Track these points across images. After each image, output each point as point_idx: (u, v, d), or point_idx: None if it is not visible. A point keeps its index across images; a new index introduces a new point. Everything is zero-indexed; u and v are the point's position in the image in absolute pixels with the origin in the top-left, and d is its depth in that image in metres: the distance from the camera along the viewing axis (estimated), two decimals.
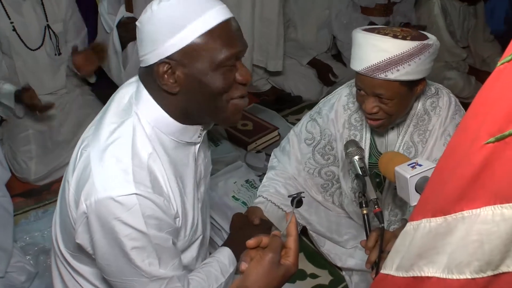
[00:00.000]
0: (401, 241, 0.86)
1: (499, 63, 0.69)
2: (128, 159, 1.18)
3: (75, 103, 2.93)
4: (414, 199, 1.33)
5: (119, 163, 1.18)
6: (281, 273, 1.05)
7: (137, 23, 1.21)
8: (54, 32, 2.74)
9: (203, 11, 1.16)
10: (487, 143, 0.67)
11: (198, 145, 1.38)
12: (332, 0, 3.69)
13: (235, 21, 1.23)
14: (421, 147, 1.81)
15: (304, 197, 1.51)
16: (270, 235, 1.09)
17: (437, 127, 1.79)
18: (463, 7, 3.66)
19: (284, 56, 3.52)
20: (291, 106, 3.48)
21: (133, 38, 2.52)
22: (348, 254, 2.08)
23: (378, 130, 1.81)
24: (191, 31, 1.15)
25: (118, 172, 1.17)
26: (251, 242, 1.07)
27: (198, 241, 1.47)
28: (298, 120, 3.24)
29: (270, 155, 2.22)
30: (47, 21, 2.71)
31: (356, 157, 1.57)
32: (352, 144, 1.60)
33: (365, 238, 2.00)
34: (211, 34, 1.16)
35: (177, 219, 1.31)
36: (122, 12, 2.53)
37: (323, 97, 3.44)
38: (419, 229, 0.79)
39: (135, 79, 1.34)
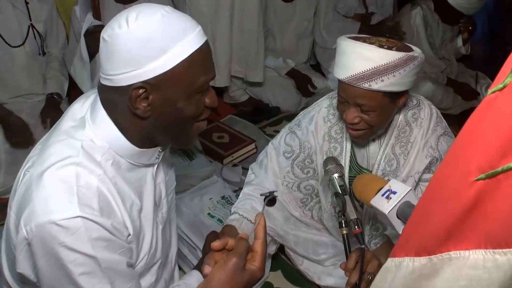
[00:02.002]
0: (382, 278, 0.80)
1: (489, 91, 0.63)
2: (73, 179, 1.10)
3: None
4: (400, 228, 1.27)
5: (63, 184, 1.10)
6: (245, 278, 1.02)
7: (104, 36, 1.11)
8: (38, 32, 2.70)
9: (184, 35, 1.10)
10: (478, 179, 0.61)
11: (156, 165, 1.32)
12: (312, 11, 3.66)
13: (208, 44, 1.18)
14: (402, 159, 1.78)
15: (276, 196, 1.45)
16: (237, 237, 1.06)
17: (419, 139, 1.76)
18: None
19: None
20: (269, 117, 3.43)
21: None
22: (327, 273, 2.02)
23: (358, 141, 1.77)
24: (173, 56, 1.09)
25: (61, 194, 1.09)
26: (216, 244, 1.04)
27: (157, 265, 1.40)
28: (276, 131, 3.21)
29: (247, 169, 2.16)
30: (30, 20, 2.66)
31: (336, 175, 1.52)
32: (331, 161, 1.55)
33: (343, 256, 1.98)
34: (190, 59, 1.11)
35: (132, 243, 1.23)
36: (90, 20, 2.43)
37: (302, 108, 3.50)
38: (402, 267, 0.73)
39: (91, 93, 1.26)
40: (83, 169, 1.12)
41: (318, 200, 1.99)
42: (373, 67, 1.50)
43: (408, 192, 1.27)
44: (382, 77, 1.51)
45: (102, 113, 1.17)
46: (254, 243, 1.05)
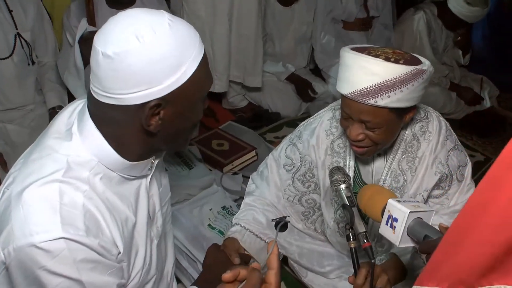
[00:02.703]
0: None
1: None
2: (56, 197, 1.03)
3: (44, 120, 2.72)
4: (404, 240, 1.20)
5: (44, 202, 1.02)
6: None
7: (108, 52, 1.01)
8: (25, 40, 2.59)
9: (192, 45, 1.07)
10: None
11: (149, 176, 1.26)
12: (311, 16, 3.60)
13: (204, 50, 1.14)
14: (410, 175, 1.69)
15: (289, 221, 1.39)
16: (249, 267, 0.97)
17: (428, 154, 1.67)
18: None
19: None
20: (269, 123, 3.37)
21: None
22: (332, 285, 1.96)
23: (363, 157, 1.69)
24: (187, 70, 1.06)
25: (42, 214, 1.02)
26: (227, 275, 0.96)
27: (151, 281, 1.33)
28: (277, 138, 3.19)
29: (247, 177, 2.09)
30: (16, 29, 2.56)
31: (343, 186, 1.47)
32: (337, 171, 1.49)
33: (349, 268, 1.92)
34: (198, 71, 1.07)
35: (123, 262, 1.16)
36: (84, 26, 2.35)
37: (302, 114, 3.44)
38: None
39: (77, 104, 1.19)
40: (68, 186, 1.05)
41: (320, 214, 1.93)
42: (379, 83, 1.42)
43: (430, 211, 1.20)
44: (389, 92, 1.42)
45: (90, 125, 1.10)
46: (267, 273, 0.97)
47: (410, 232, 1.19)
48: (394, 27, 3.75)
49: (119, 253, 1.14)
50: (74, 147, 1.10)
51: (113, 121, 1.09)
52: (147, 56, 1.00)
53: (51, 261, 1.00)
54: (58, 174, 1.06)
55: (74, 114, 1.16)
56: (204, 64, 1.10)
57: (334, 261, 1.97)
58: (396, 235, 1.18)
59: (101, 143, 1.10)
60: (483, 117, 3.55)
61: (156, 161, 1.25)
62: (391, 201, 1.23)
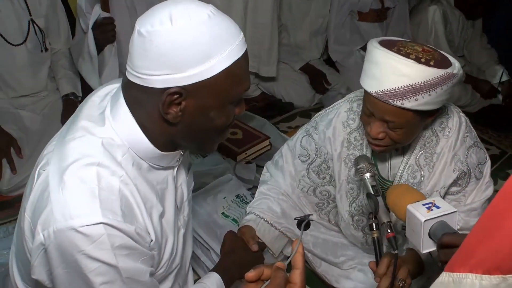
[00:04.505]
0: None
1: None
2: (94, 181, 1.02)
3: (56, 107, 2.72)
4: (426, 246, 1.16)
5: (83, 185, 1.02)
6: None
7: (142, 30, 1.02)
8: (39, 27, 2.58)
9: (229, 42, 1.03)
10: None
11: (176, 167, 1.25)
12: (328, 8, 3.57)
13: (247, 53, 1.10)
14: (427, 172, 1.66)
15: (312, 220, 1.38)
16: (273, 267, 0.95)
17: (446, 151, 1.63)
18: (463, 16, 3.57)
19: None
20: (282, 113, 3.35)
21: (111, 40, 2.39)
22: (345, 276, 1.94)
23: (380, 153, 1.67)
24: (216, 64, 1.02)
25: (81, 197, 1.01)
26: (250, 275, 0.94)
27: (174, 272, 1.33)
28: (290, 127, 3.18)
29: (261, 166, 2.08)
30: (30, 15, 2.54)
31: (368, 175, 1.46)
32: (363, 160, 1.48)
33: (362, 259, 1.91)
34: (231, 69, 1.04)
35: (154, 250, 1.16)
36: (98, 12, 2.30)
37: (315, 104, 3.42)
38: (464, 285, 0.64)
39: (111, 87, 1.18)
40: (105, 170, 1.05)
41: (334, 205, 1.91)
42: (408, 85, 1.37)
43: (453, 212, 1.15)
44: (417, 96, 1.38)
45: (124, 110, 1.09)
46: (292, 273, 0.94)
47: (433, 235, 1.15)
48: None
49: (151, 240, 1.14)
50: (107, 131, 1.09)
51: (139, 104, 1.08)
52: (175, 39, 0.99)
53: (90, 245, 1.00)
54: (94, 157, 1.05)
55: (107, 98, 1.15)
56: (239, 65, 1.06)
57: (348, 252, 1.95)
58: (429, 214, 1.14)
59: (133, 129, 1.09)
60: (499, 110, 3.51)
61: (184, 154, 1.25)
62: (409, 208, 1.20)
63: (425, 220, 1.13)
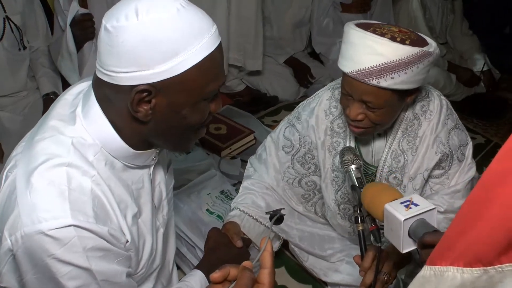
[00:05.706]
0: None
1: None
2: (63, 182, 0.99)
3: (37, 107, 2.66)
4: (406, 245, 1.13)
5: (52, 187, 0.98)
6: None
7: (108, 25, 0.98)
8: (15, 24, 2.50)
9: (199, 36, 0.98)
10: None
11: (153, 166, 1.21)
12: None
13: (221, 46, 1.05)
14: (410, 155, 1.66)
15: (284, 214, 1.35)
16: (240, 266, 0.91)
17: (428, 134, 1.64)
18: (442, 2, 3.57)
19: None
20: (267, 107, 3.32)
21: (90, 37, 2.33)
22: (334, 269, 1.93)
23: (361, 137, 1.66)
24: (185, 60, 0.97)
25: (50, 199, 0.97)
26: (215, 276, 0.89)
27: (156, 272, 1.30)
28: (275, 121, 3.15)
29: (246, 161, 2.06)
30: (5, 12, 2.46)
31: (353, 166, 1.45)
32: (348, 152, 1.47)
33: (350, 251, 1.90)
34: (203, 64, 1.00)
35: (130, 251, 1.13)
36: (75, 8, 2.25)
37: (301, 97, 3.40)
38: (445, 278, 0.62)
39: (82, 85, 1.14)
40: (75, 170, 1.01)
41: (320, 196, 1.90)
42: (384, 63, 1.37)
43: (431, 209, 1.11)
44: (393, 74, 1.38)
45: (95, 108, 1.06)
46: (260, 273, 0.91)
47: (413, 234, 1.11)
48: None
49: (127, 241, 1.11)
50: (78, 130, 1.05)
51: (110, 102, 1.05)
52: (141, 35, 0.95)
53: (60, 249, 0.97)
54: (64, 157, 1.01)
55: (79, 96, 1.11)
56: (212, 59, 1.02)
57: (335, 245, 1.94)
58: (408, 213, 1.10)
59: (105, 128, 1.06)
60: (483, 99, 3.51)
61: (160, 152, 1.22)
62: (387, 207, 1.15)
63: (404, 219, 1.10)
